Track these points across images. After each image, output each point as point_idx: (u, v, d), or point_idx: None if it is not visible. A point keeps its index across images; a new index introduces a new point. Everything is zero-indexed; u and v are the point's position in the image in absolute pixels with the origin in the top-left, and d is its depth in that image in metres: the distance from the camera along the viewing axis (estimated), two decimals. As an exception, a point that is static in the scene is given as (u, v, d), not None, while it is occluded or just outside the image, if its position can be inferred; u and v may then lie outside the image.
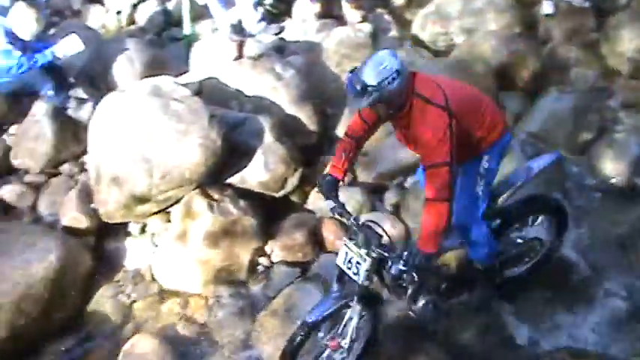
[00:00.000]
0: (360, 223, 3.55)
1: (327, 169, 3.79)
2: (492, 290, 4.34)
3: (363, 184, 5.38)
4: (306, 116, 5.65)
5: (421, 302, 3.91)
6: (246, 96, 5.66)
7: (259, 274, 4.82)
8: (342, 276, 3.65)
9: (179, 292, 4.74)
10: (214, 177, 4.97)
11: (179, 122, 4.82)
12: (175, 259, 4.77)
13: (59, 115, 5.45)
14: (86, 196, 5.00)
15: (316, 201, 5.29)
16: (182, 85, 5.25)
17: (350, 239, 3.56)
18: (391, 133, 5.58)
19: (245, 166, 5.07)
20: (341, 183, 3.74)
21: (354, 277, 3.52)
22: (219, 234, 4.74)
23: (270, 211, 5.11)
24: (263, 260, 4.88)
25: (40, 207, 5.14)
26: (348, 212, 3.65)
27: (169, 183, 4.74)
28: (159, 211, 4.99)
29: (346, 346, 3.72)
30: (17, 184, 5.27)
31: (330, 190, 3.69)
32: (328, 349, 3.75)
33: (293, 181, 5.20)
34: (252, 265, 4.83)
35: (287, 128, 5.45)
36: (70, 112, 5.49)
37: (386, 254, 3.43)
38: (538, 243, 4.35)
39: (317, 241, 4.96)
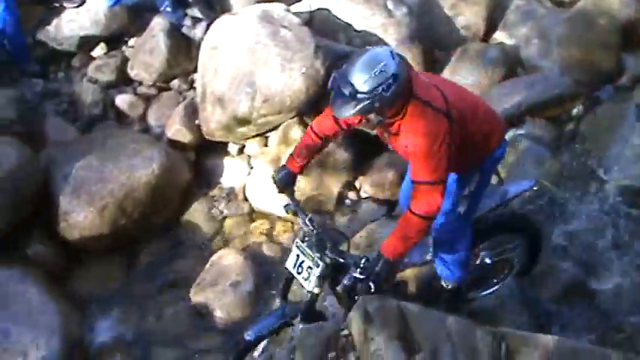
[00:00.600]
0: (314, 223, 3.20)
1: (285, 161, 3.43)
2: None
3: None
4: (412, 57, 5.52)
5: None
6: (355, 30, 5.62)
7: (346, 207, 4.91)
8: (286, 289, 3.39)
9: (268, 214, 4.92)
10: (314, 107, 5.03)
11: (286, 49, 4.88)
12: (268, 182, 4.91)
13: (174, 32, 5.64)
14: (192, 112, 5.21)
15: (411, 143, 5.26)
16: (293, 13, 5.28)
17: (303, 240, 3.19)
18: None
19: (345, 100, 5.09)
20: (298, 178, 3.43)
21: (304, 283, 3.16)
22: (311, 164, 4.83)
23: (364, 148, 5.13)
24: (351, 194, 4.95)
25: (149, 118, 5.42)
26: (303, 211, 3.27)
27: (270, 108, 4.85)
28: (257, 135, 5.14)
29: None
30: (131, 94, 5.56)
31: (286, 185, 3.34)
32: None
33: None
34: (340, 198, 4.91)
35: (391, 67, 5.38)
36: (184, 30, 5.66)
37: (341, 260, 3.10)
38: (508, 265, 3.97)
39: (407, 183, 4.98)
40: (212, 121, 5.04)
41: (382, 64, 2.66)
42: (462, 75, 5.57)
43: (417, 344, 2.31)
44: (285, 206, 3.35)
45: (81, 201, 4.48)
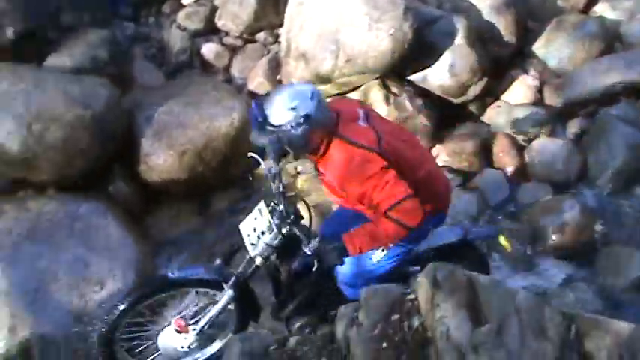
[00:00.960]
0: (287, 193, 3.06)
1: None
2: None
3: (548, 106, 5.10)
4: (504, 26, 5.35)
5: (297, 324, 3.34)
6: (447, -6, 5.48)
7: (421, 174, 4.85)
8: (231, 254, 3.27)
9: (341, 174, 4.92)
10: (397, 70, 4.96)
11: (374, 9, 4.80)
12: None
13: (264, -16, 5.66)
14: (275, 66, 5.24)
15: (493, 115, 5.12)
16: (384, -28, 5.17)
17: (267, 205, 3.06)
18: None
19: (429, 66, 4.99)
20: None
21: (249, 248, 3.04)
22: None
23: (445, 116, 5.04)
24: (427, 162, 4.89)
25: (233, 68, 5.48)
26: (281, 179, 3.10)
27: (353, 68, 4.81)
28: (337, 94, 5.11)
29: (193, 334, 3.17)
30: (217, 44, 5.63)
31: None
32: (172, 325, 3.19)
33: (475, 89, 5.05)
34: (416, 164, 4.86)
35: (482, 34, 5.22)
36: (273, -18, 5.67)
37: (297, 234, 2.93)
38: None
39: (486, 155, 4.87)
40: (294, 77, 5.05)
41: (296, 102, 2.72)
42: (556, 47, 5.36)
43: (484, 315, 2.28)
44: (267, 169, 3.16)
45: (162, 144, 4.58)
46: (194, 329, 3.17)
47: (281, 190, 3.05)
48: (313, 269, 2.99)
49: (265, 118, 2.75)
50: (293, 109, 2.72)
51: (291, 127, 2.72)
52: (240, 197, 4.89)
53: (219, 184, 4.85)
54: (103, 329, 3.19)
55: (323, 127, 2.77)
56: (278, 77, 5.20)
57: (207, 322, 3.17)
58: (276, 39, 5.62)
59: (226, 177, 4.84)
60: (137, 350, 3.33)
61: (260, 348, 2.84)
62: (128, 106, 4.77)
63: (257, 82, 5.19)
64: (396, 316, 2.46)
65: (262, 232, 2.99)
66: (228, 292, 3.12)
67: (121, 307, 3.15)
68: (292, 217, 2.98)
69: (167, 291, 3.26)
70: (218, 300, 3.16)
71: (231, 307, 3.24)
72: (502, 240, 3.51)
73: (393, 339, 2.39)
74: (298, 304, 3.29)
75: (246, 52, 5.54)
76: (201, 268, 3.35)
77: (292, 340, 2.82)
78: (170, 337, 3.21)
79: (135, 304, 3.18)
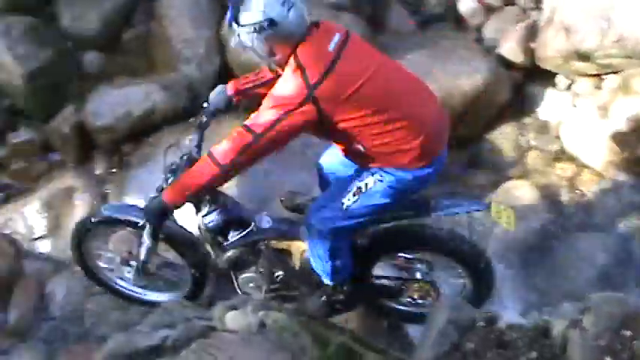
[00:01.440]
0: (201, 145, 3.12)
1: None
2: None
3: None
4: None
5: (225, 257, 3.30)
6: None
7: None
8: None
9: (577, 159, 4.62)
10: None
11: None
12: (588, 127, 4.59)
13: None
14: (531, 33, 4.96)
15: None
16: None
17: (182, 157, 3.10)
18: None
19: None
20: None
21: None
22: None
23: None
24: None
25: (486, 29, 5.26)
26: (201, 133, 3.19)
27: (620, 50, 4.42)
28: (593, 75, 4.76)
29: (133, 269, 3.37)
30: (475, 1, 5.39)
31: (216, 102, 3.23)
32: (120, 256, 3.51)
33: None
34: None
35: None
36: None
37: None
38: (430, 289, 3.39)
39: None
40: (550, 49, 4.77)
41: (264, 2, 2.54)
42: None
43: None
44: (203, 110, 3.27)
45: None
46: (133, 264, 3.38)
47: (196, 142, 3.16)
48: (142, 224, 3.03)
49: (237, 16, 2.61)
50: (261, 11, 2.55)
51: (255, 29, 2.57)
52: (460, 159, 4.78)
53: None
54: (75, 230, 3.48)
55: (288, 40, 2.61)
56: (532, 45, 4.92)
57: (141, 261, 3.28)
58: (537, 4, 5.26)
59: (450, 136, 4.79)
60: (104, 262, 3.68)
61: (468, 320, 2.83)
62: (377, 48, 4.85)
63: (508, 48, 4.96)
64: (628, 333, 2.30)
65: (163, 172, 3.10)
66: (146, 231, 3.10)
67: (88, 223, 3.43)
68: (179, 173, 3.01)
69: (100, 225, 3.43)
70: (142, 235, 3.22)
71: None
72: (497, 213, 3.04)
73: (620, 356, 2.25)
74: (223, 260, 3.31)
75: (503, 15, 5.27)
76: (134, 208, 3.36)
77: (502, 323, 2.77)
78: (119, 266, 3.55)
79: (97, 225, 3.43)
